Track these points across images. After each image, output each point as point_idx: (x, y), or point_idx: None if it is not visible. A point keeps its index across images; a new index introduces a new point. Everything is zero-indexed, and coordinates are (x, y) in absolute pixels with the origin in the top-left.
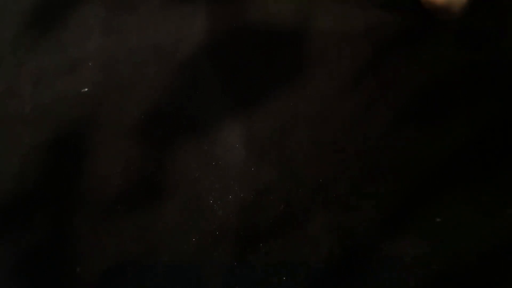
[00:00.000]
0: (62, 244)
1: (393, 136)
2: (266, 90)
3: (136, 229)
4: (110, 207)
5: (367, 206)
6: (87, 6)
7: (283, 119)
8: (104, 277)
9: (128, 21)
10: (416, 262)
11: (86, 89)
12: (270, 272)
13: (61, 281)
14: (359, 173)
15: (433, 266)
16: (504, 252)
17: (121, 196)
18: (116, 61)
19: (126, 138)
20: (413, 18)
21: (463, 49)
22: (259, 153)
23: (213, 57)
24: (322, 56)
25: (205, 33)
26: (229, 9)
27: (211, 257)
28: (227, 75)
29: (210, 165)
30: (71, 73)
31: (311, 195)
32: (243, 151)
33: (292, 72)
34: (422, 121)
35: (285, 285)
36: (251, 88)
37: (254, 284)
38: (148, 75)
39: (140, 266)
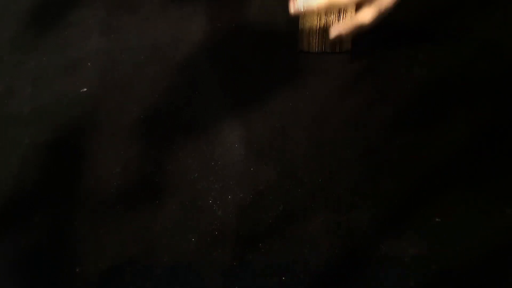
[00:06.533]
0: (62, 244)
1: (393, 136)
2: (266, 90)
3: (136, 229)
4: (110, 207)
5: (366, 206)
6: (86, 6)
7: (283, 119)
8: (104, 277)
9: (128, 21)
10: (416, 262)
11: (86, 89)
12: (270, 272)
13: (60, 281)
14: (359, 173)
15: (433, 266)
16: (504, 252)
17: (121, 196)
18: (115, 61)
19: (126, 138)
20: (413, 18)
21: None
22: (258, 153)
23: (213, 57)
24: (321, 56)
25: (205, 33)
26: (229, 9)
27: (211, 257)
28: (227, 74)
29: (209, 165)
30: (70, 73)
31: (311, 195)
32: (243, 151)
33: (292, 72)
34: (422, 121)
35: (285, 285)
36: (251, 88)
37: (254, 284)
38: (148, 75)
39: (140, 266)
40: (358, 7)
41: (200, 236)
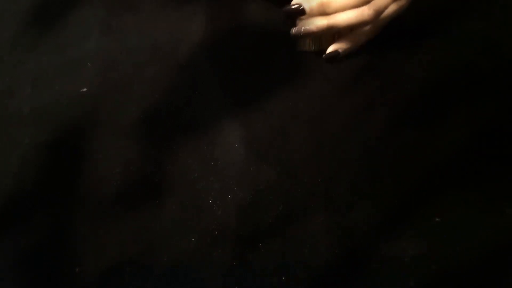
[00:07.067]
0: (62, 244)
1: (393, 136)
2: (266, 90)
3: (136, 229)
4: (109, 207)
5: (366, 206)
6: (86, 6)
7: (283, 119)
8: (103, 277)
9: (128, 21)
10: (416, 262)
11: (85, 89)
12: (270, 272)
13: (60, 281)
14: (358, 173)
15: (433, 266)
16: (504, 252)
17: (121, 196)
18: (115, 61)
19: (126, 138)
20: (413, 18)
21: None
22: (258, 153)
23: (213, 57)
24: (321, 56)
25: (205, 33)
26: (229, 9)
27: (211, 257)
28: (227, 74)
29: (209, 165)
30: (70, 73)
31: (311, 195)
32: (243, 151)
33: (292, 72)
34: (422, 121)
35: (285, 285)
36: (251, 88)
37: (254, 284)
38: (148, 75)
39: (140, 266)
40: (356, 28)
41: (200, 236)
